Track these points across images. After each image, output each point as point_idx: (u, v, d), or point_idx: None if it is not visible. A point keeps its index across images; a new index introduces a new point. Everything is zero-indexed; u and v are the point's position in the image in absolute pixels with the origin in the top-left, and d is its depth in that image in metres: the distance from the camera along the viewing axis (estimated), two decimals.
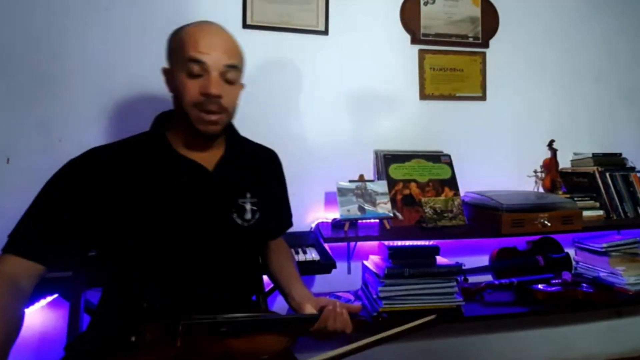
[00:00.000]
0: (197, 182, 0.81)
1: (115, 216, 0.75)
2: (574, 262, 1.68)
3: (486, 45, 1.69)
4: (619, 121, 1.83)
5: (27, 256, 0.70)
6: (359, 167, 1.51)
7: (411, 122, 1.63)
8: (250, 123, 1.46)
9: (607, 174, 1.65)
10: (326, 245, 1.30)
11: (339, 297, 1.42)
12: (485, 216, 1.44)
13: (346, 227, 1.36)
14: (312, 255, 1.19)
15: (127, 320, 0.65)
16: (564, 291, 1.43)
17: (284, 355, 0.65)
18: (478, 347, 1.64)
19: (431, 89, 1.64)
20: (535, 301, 1.42)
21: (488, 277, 1.61)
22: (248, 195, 0.86)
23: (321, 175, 1.51)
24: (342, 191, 1.37)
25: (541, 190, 1.71)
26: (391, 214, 1.39)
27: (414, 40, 1.63)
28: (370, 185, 1.41)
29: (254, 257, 0.96)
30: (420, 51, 1.64)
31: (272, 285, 1.34)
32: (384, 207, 1.39)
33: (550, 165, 1.69)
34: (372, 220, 1.44)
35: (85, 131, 1.35)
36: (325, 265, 1.16)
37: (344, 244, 1.49)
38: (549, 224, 1.37)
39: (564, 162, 1.75)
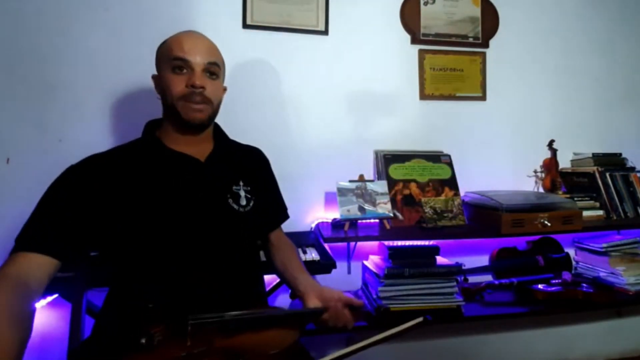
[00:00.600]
0: (191, 173, 0.86)
1: (115, 214, 0.77)
2: (574, 262, 1.68)
3: (486, 45, 1.69)
4: (619, 121, 1.83)
5: (36, 249, 0.71)
6: (359, 167, 1.51)
7: (411, 122, 1.63)
8: (250, 123, 1.47)
9: (607, 174, 1.65)
10: (326, 245, 1.30)
11: None
12: (485, 216, 1.44)
13: (346, 227, 1.36)
14: (312, 255, 1.19)
15: (133, 322, 0.66)
16: (564, 291, 1.43)
17: (292, 349, 0.66)
18: (478, 347, 1.64)
19: (431, 89, 1.64)
20: (535, 301, 1.42)
21: (488, 277, 1.61)
22: (241, 182, 0.92)
23: (321, 175, 1.51)
24: (342, 191, 1.38)
25: (541, 190, 1.71)
26: (391, 214, 1.39)
27: (414, 40, 1.63)
28: (370, 185, 1.41)
29: (254, 251, 0.97)
30: (420, 51, 1.64)
31: (272, 285, 1.35)
32: (384, 207, 1.39)
33: (550, 165, 1.69)
34: (372, 220, 1.44)
35: (85, 131, 1.35)
36: (325, 265, 1.16)
37: (344, 244, 1.49)
38: (549, 224, 1.37)
39: (564, 162, 1.75)
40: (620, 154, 1.75)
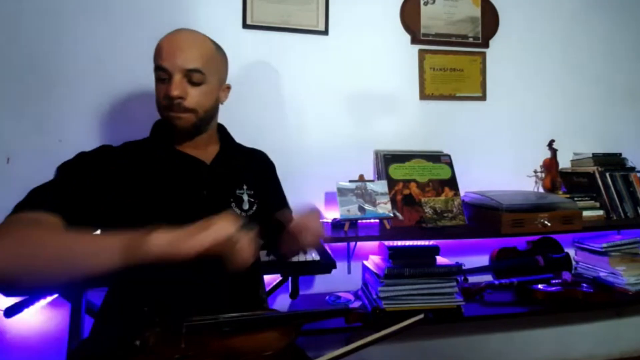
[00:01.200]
0: (196, 175, 0.85)
1: (118, 208, 0.76)
2: (574, 262, 1.68)
3: (486, 45, 1.69)
4: (619, 121, 1.83)
5: (43, 207, 0.66)
6: (359, 167, 1.51)
7: (411, 122, 1.63)
8: (250, 122, 1.47)
9: (607, 174, 1.65)
10: (326, 245, 1.30)
11: (338, 297, 1.43)
12: (485, 216, 1.44)
13: (346, 227, 1.36)
14: (312, 255, 1.19)
15: (129, 325, 0.65)
16: (564, 291, 1.43)
17: (287, 350, 0.66)
18: (478, 347, 1.64)
19: (431, 89, 1.64)
20: (535, 301, 1.42)
21: (488, 277, 1.61)
22: (245, 187, 0.91)
23: (321, 175, 1.51)
24: (342, 191, 1.38)
25: (541, 190, 1.71)
26: (391, 214, 1.39)
27: (414, 40, 1.63)
28: (370, 185, 1.41)
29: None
30: (421, 51, 1.64)
31: (272, 285, 1.35)
32: (384, 207, 1.39)
33: (550, 165, 1.69)
34: (372, 220, 1.44)
35: (85, 131, 1.35)
36: (325, 265, 1.16)
37: (344, 244, 1.49)
38: (549, 224, 1.37)
39: (564, 162, 1.75)
40: (620, 154, 1.75)
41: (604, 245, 1.56)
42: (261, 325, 0.71)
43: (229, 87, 0.95)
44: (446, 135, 1.65)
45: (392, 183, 1.48)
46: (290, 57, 1.52)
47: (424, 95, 1.63)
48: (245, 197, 0.89)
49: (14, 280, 0.59)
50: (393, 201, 1.45)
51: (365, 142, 1.58)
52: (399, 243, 1.37)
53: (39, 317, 1.30)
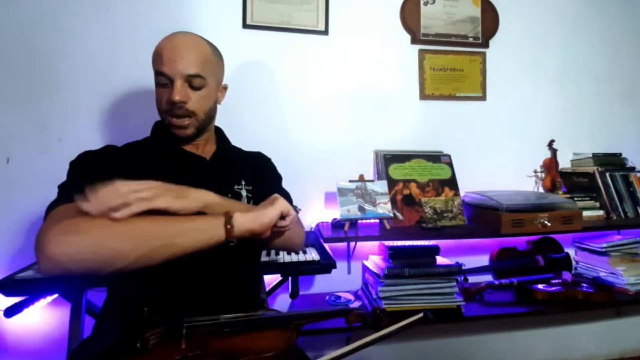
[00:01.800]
0: (196, 171, 0.87)
1: None
2: (574, 262, 1.68)
3: (486, 45, 1.69)
4: (619, 121, 1.83)
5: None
6: (359, 167, 1.51)
7: (411, 122, 1.63)
8: (250, 122, 1.47)
9: (607, 174, 1.65)
10: (326, 245, 1.30)
11: (338, 297, 1.43)
12: (485, 216, 1.44)
13: (346, 227, 1.36)
14: (312, 255, 1.19)
15: (129, 325, 0.66)
16: (564, 291, 1.43)
17: (288, 351, 0.66)
18: (478, 347, 1.64)
19: (431, 89, 1.64)
20: (535, 301, 1.42)
21: (488, 277, 1.61)
22: (243, 182, 0.92)
23: (321, 175, 1.52)
24: (342, 191, 1.38)
25: (541, 190, 1.72)
26: (391, 214, 1.39)
27: (414, 40, 1.63)
28: (370, 185, 1.41)
29: (254, 252, 0.97)
30: (420, 51, 1.64)
31: (272, 285, 1.35)
32: (384, 207, 1.39)
33: (550, 165, 1.69)
34: (372, 220, 1.44)
35: (85, 131, 1.35)
36: (325, 265, 1.16)
37: (344, 244, 1.50)
38: (549, 224, 1.37)
39: (564, 162, 1.75)
40: (620, 154, 1.75)
41: (604, 245, 1.56)
42: (261, 326, 0.71)
43: (225, 88, 0.97)
44: (446, 135, 1.65)
45: (392, 183, 1.48)
46: (290, 57, 1.52)
47: (424, 95, 1.63)
48: (244, 193, 0.91)
49: (128, 266, 0.65)
50: (393, 201, 1.45)
51: (365, 142, 1.58)
52: (399, 243, 1.37)
53: (39, 317, 1.30)
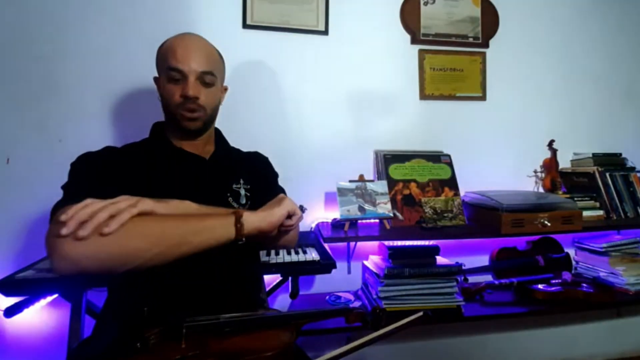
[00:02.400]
0: (195, 170, 0.89)
1: None
2: (574, 262, 1.68)
3: (486, 45, 1.69)
4: (619, 121, 1.83)
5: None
6: (359, 167, 1.51)
7: (411, 122, 1.63)
8: (250, 123, 1.47)
9: (607, 174, 1.65)
10: (326, 245, 1.30)
11: (338, 297, 1.43)
12: (485, 216, 1.44)
13: (346, 227, 1.36)
14: (312, 255, 1.19)
15: (129, 325, 0.66)
16: (564, 291, 1.43)
17: (288, 351, 0.66)
18: (478, 347, 1.64)
19: (431, 89, 1.64)
20: (535, 301, 1.42)
21: (488, 277, 1.61)
22: (241, 181, 0.94)
23: (321, 175, 1.52)
24: (342, 191, 1.38)
25: (541, 190, 1.72)
26: (391, 214, 1.39)
27: (414, 40, 1.63)
28: (370, 185, 1.41)
29: (253, 251, 0.97)
30: (420, 51, 1.64)
31: (272, 285, 1.35)
32: (384, 207, 1.39)
33: (550, 165, 1.69)
34: (372, 220, 1.44)
35: (85, 131, 1.35)
36: (325, 265, 1.16)
37: (344, 244, 1.50)
38: (549, 224, 1.37)
39: (564, 162, 1.75)
40: (620, 154, 1.75)
41: (604, 245, 1.56)
42: (261, 326, 0.71)
43: (226, 89, 1.00)
44: (446, 135, 1.65)
45: (392, 183, 1.48)
46: (290, 57, 1.52)
47: (424, 95, 1.63)
48: (242, 192, 0.92)
49: (143, 264, 0.66)
50: (393, 201, 1.45)
51: (365, 142, 1.58)
52: (399, 243, 1.37)
53: (39, 317, 1.30)
